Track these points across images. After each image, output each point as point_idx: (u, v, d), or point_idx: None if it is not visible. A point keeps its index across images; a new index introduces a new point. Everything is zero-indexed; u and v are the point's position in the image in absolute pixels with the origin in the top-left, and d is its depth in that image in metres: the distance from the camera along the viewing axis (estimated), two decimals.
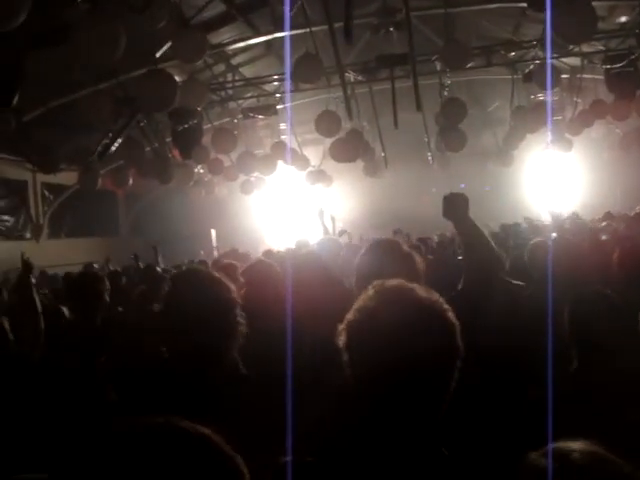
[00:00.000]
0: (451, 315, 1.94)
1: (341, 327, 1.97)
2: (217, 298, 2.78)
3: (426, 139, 17.95)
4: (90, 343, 4.55)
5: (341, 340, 1.95)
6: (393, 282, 2.03)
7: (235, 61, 15.74)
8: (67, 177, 16.76)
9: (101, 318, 5.11)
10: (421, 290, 1.99)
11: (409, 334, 1.83)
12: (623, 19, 14.07)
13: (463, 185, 21.28)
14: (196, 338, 2.67)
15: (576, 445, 1.50)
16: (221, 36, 13.75)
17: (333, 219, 10.06)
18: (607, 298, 3.56)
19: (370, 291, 1.99)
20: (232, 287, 2.91)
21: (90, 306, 5.06)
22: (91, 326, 4.93)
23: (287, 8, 9.66)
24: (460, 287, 3.36)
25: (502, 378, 4.05)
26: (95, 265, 12.96)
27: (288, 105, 16.31)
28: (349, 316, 1.97)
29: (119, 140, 14.47)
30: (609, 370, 3.24)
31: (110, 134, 14.59)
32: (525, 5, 11.05)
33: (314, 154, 19.05)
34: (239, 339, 2.82)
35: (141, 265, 10.02)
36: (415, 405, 1.86)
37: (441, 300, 1.97)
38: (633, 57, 13.96)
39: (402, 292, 1.98)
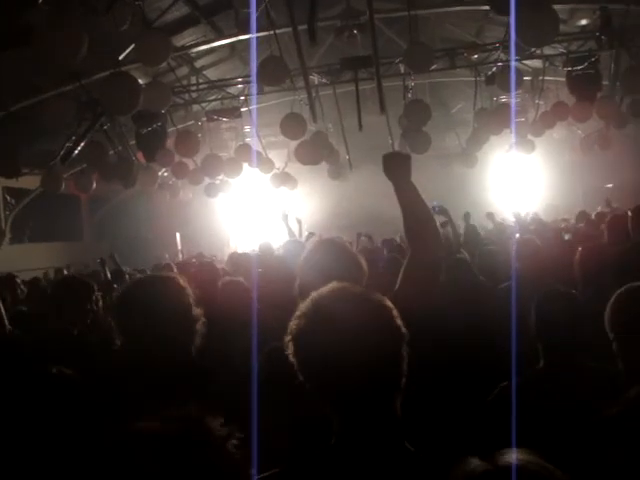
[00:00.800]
0: (388, 304, 1.97)
1: (287, 338, 1.97)
2: (174, 306, 2.78)
3: (390, 141, 17.99)
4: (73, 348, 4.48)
5: (289, 349, 1.96)
6: (330, 287, 2.04)
7: (199, 64, 15.71)
8: (29, 181, 16.52)
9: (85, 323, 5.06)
10: (357, 289, 2.03)
11: (352, 333, 1.85)
12: (584, 22, 14.28)
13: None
14: (153, 341, 2.66)
15: (516, 455, 1.50)
16: (185, 39, 13.70)
17: (299, 222, 10.05)
18: (570, 297, 3.61)
19: (309, 301, 2.00)
20: (190, 295, 2.90)
21: (80, 310, 4.99)
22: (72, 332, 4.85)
23: (253, 10, 9.61)
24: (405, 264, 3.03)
25: (468, 375, 4.10)
26: (65, 271, 12.77)
27: (253, 107, 16.27)
28: (292, 325, 1.98)
29: (82, 143, 14.31)
30: (574, 368, 3.29)
31: (73, 137, 14.43)
32: (488, 8, 11.13)
33: (279, 157, 19.01)
34: (196, 342, 2.82)
35: (107, 270, 9.91)
36: (369, 400, 1.88)
37: (381, 298, 1.99)
38: (594, 59, 14.16)
39: (341, 293, 2.00)
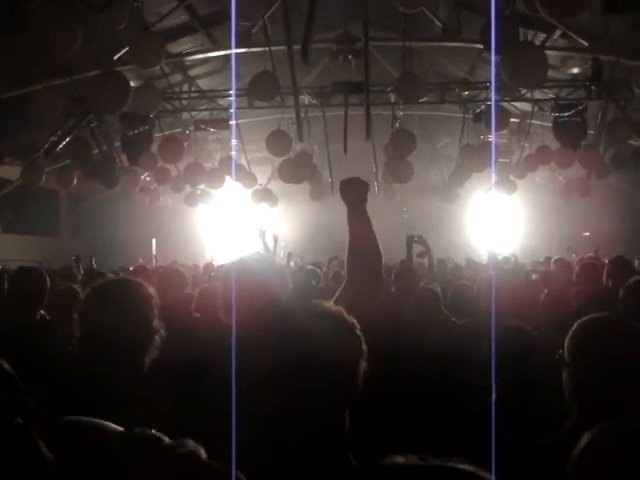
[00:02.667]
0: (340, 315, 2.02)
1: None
2: (136, 314, 2.76)
3: (374, 169, 18.09)
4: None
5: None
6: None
7: (193, 72, 15.73)
8: (10, 171, 16.41)
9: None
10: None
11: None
12: (575, 70, 14.48)
13: (406, 212, 21.70)
14: (105, 346, 2.65)
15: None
16: (181, 46, 13.74)
17: (276, 239, 10.04)
18: (526, 334, 3.65)
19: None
20: (155, 305, 2.89)
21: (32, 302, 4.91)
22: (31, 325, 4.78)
23: (233, 25, 9.63)
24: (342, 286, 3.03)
25: (423, 402, 4.13)
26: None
27: (234, 122, 16.29)
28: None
29: (67, 139, 14.27)
30: (527, 403, 3.32)
31: (59, 132, 14.38)
32: (482, 47, 11.27)
33: (262, 173, 19.05)
34: (153, 349, 2.81)
35: (81, 269, 9.85)
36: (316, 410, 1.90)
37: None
38: (581, 108, 14.37)
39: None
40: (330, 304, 2.12)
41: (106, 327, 2.64)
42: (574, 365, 2.81)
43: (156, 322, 2.82)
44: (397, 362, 4.15)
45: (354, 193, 3.08)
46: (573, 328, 2.96)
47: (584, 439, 2.24)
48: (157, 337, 2.80)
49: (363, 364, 1.96)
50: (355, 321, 2.01)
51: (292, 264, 12.14)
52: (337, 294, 2.98)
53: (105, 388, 2.48)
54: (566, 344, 2.93)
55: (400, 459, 1.53)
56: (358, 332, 1.99)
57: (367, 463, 1.92)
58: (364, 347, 1.98)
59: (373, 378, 2.21)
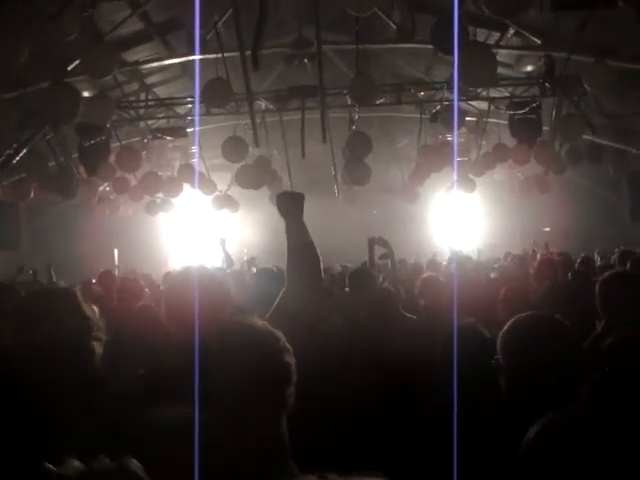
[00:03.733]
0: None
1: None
2: (61, 321, 2.75)
3: (333, 172, 18.13)
4: None
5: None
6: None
7: (149, 81, 15.63)
8: None
9: None
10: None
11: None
12: (529, 68, 14.66)
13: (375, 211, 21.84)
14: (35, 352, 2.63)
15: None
16: (137, 54, 13.65)
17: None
18: (477, 333, 3.67)
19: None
20: (87, 313, 2.88)
21: None
22: None
23: (197, 31, 9.64)
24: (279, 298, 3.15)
25: (377, 402, 4.14)
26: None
27: (196, 129, 16.23)
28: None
29: (23, 152, 14.09)
30: (473, 402, 3.34)
31: (14, 145, 14.20)
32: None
33: (222, 179, 19.00)
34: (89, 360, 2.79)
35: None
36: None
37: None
38: (535, 105, 14.54)
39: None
40: (260, 322, 2.20)
41: (31, 340, 2.64)
42: (507, 365, 2.88)
43: (86, 330, 2.79)
44: (348, 363, 4.17)
45: (290, 205, 3.17)
46: (503, 329, 3.03)
47: (531, 431, 2.29)
48: (92, 344, 2.79)
49: (288, 387, 2.05)
50: (282, 344, 2.11)
51: (254, 269, 12.13)
52: (277, 301, 3.04)
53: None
54: (498, 346, 3.00)
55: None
56: (285, 357, 2.08)
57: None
58: (287, 368, 2.07)
59: (323, 380, 2.23)
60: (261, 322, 2.19)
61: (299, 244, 3.10)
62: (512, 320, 3.01)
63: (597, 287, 4.47)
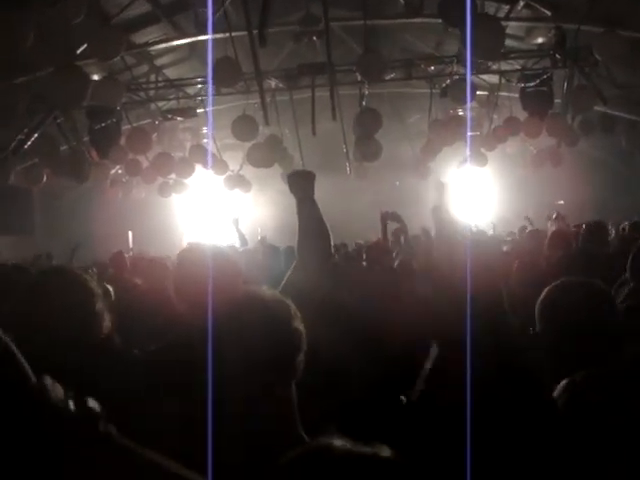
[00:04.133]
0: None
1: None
2: (64, 301, 2.78)
3: (344, 149, 18.09)
4: None
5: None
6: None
7: (159, 62, 15.62)
8: None
9: None
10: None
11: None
12: (540, 40, 14.54)
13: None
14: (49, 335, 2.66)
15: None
16: (146, 36, 13.64)
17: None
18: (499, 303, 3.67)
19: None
20: (93, 291, 2.92)
21: None
22: None
23: (210, 11, 9.63)
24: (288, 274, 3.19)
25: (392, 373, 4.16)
26: None
27: (209, 109, 16.22)
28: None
29: (34, 137, 14.14)
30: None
31: (25, 130, 14.24)
32: None
33: (234, 159, 18.99)
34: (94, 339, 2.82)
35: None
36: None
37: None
38: (546, 77, 14.43)
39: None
40: (273, 292, 2.23)
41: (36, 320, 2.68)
42: (546, 330, 2.89)
43: (94, 309, 2.83)
44: (354, 339, 4.19)
45: (301, 184, 3.24)
46: (542, 296, 3.03)
47: (562, 383, 2.31)
48: (101, 323, 2.83)
49: (299, 354, 2.07)
50: (292, 311, 2.12)
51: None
52: (287, 275, 3.07)
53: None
54: (537, 315, 3.00)
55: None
56: (294, 324, 2.09)
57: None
58: (298, 335, 2.08)
59: (329, 355, 2.25)
60: (271, 291, 2.21)
61: (310, 221, 3.16)
62: (549, 288, 3.01)
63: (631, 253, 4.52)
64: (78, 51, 11.54)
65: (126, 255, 9.24)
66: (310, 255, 3.11)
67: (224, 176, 18.90)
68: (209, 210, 22.26)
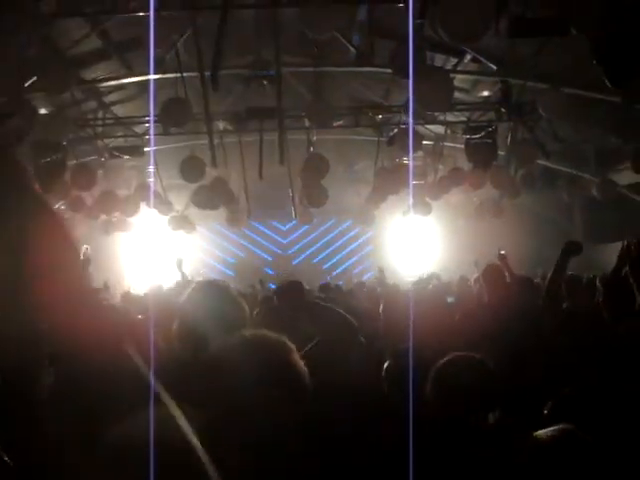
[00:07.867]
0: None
1: None
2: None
3: (291, 194, 18.15)
4: None
5: None
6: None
7: (108, 99, 15.53)
8: None
9: None
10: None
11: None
12: (485, 93, 14.93)
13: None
14: None
15: None
16: (96, 72, 13.56)
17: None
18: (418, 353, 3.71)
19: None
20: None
21: None
22: None
23: (151, 51, 9.59)
24: None
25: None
26: None
27: (152, 149, 16.14)
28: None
29: None
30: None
31: None
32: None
33: (179, 199, 18.89)
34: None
35: None
36: None
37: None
38: (491, 129, 14.75)
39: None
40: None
41: None
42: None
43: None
44: None
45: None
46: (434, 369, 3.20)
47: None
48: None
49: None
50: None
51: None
52: None
53: None
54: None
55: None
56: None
57: None
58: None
59: None
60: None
61: None
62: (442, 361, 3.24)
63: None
64: (27, 84, 11.47)
65: None
66: None
67: (169, 216, 18.78)
68: (152, 249, 22.00)
